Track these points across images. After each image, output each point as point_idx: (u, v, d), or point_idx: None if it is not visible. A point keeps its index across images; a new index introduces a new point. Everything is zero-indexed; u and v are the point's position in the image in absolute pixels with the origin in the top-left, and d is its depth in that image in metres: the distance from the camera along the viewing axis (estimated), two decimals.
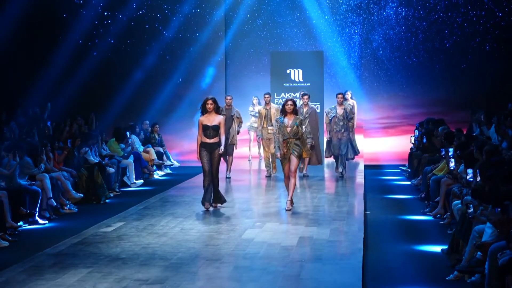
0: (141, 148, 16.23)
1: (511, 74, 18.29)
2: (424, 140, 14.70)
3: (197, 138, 11.29)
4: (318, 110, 18.31)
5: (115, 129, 15.55)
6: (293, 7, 20.05)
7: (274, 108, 14.88)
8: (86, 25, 18.87)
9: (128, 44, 19.80)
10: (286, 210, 11.02)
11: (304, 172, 14.97)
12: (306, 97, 14.93)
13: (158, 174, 16.21)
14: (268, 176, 14.97)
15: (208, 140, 11.15)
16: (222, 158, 14.42)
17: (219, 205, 11.35)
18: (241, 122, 15.04)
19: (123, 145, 15.18)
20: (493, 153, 9.17)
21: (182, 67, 20.07)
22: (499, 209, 6.88)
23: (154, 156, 16.34)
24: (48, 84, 17.11)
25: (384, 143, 19.56)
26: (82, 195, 12.40)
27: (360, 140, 18.49)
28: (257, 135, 16.07)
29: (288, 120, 11.11)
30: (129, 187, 14.62)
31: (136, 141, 16.12)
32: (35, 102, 16.15)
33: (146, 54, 19.87)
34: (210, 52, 20.23)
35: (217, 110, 11.24)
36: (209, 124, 11.14)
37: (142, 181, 15.11)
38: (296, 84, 18.93)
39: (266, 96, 15.12)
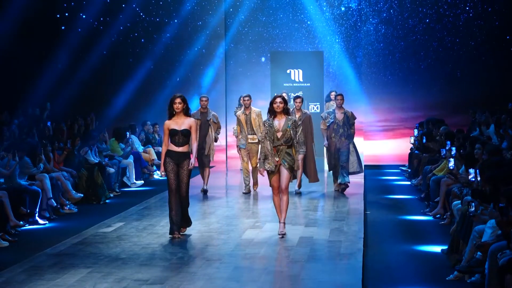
0: (141, 148, 16.22)
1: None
2: (424, 140, 14.70)
3: (162, 148, 9.46)
4: (318, 110, 18.35)
5: (115, 129, 15.55)
6: (293, 7, 20.06)
7: (255, 113, 12.75)
8: (86, 25, 18.87)
9: (128, 44, 19.80)
10: (280, 234, 9.16)
11: (296, 188, 12.71)
12: (298, 100, 12.65)
13: (158, 174, 16.21)
14: (246, 193, 12.83)
15: (176, 149, 9.16)
16: (200, 172, 12.92)
17: (187, 228, 9.62)
18: (219, 128, 13.08)
19: (123, 145, 15.18)
20: (493, 153, 9.18)
21: (182, 67, 20.07)
22: (502, 205, 6.86)
23: (154, 156, 16.34)
24: (48, 84, 17.10)
25: (384, 146, 19.57)
26: (82, 195, 12.41)
27: (360, 143, 18.48)
28: (237, 148, 13.19)
29: (279, 122, 9.16)
30: (129, 187, 14.62)
31: (136, 141, 16.12)
32: (35, 102, 16.15)
33: (146, 54, 19.88)
34: (210, 52, 20.23)
35: (187, 112, 9.26)
36: (177, 128, 9.14)
37: (142, 181, 15.09)
38: (296, 84, 18.97)
39: (246, 98, 12.78)
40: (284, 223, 9.23)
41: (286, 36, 20.13)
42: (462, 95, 19.10)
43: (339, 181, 12.70)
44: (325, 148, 13.05)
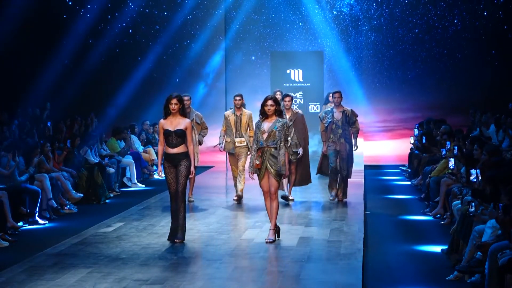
0: (141, 148, 16.22)
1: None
2: (424, 140, 14.70)
3: (158, 148, 9.22)
4: (317, 110, 18.34)
5: (114, 128, 15.56)
6: (293, 7, 20.07)
7: (247, 115, 11.77)
8: (86, 25, 18.89)
9: (128, 44, 19.81)
10: (266, 241, 8.79)
11: (288, 195, 11.66)
12: (288, 99, 11.43)
13: (158, 174, 16.18)
14: (237, 199, 11.92)
15: (170, 150, 8.89)
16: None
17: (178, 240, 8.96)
18: (206, 129, 12.00)
19: (122, 144, 15.16)
20: (493, 153, 9.18)
21: (181, 67, 20.07)
22: (502, 205, 6.86)
23: (154, 156, 16.32)
24: (48, 84, 17.12)
25: (383, 146, 19.58)
26: (82, 195, 12.40)
27: (360, 143, 18.43)
28: (219, 147, 12.13)
29: (268, 124, 8.83)
30: (129, 187, 14.61)
31: (136, 141, 16.12)
32: (35, 102, 16.16)
33: (146, 54, 19.89)
34: (210, 51, 20.23)
35: (183, 112, 8.96)
36: (171, 128, 8.85)
37: (143, 186, 14.98)
38: (296, 84, 18.99)
39: (237, 98, 11.81)
40: (274, 229, 8.88)
41: (286, 36, 20.15)
42: (460, 95, 19.18)
43: (334, 192, 11.76)
44: (321, 153, 11.89)
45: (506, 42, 18.88)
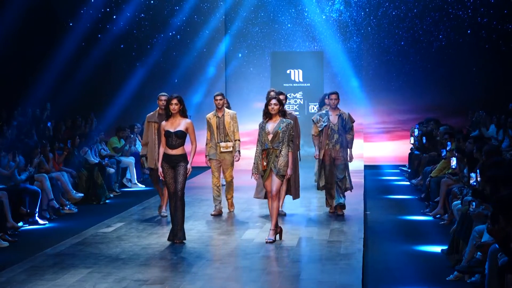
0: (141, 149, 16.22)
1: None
2: (424, 140, 14.71)
3: (159, 149, 9.12)
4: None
5: (117, 126, 15.58)
6: (293, 7, 20.06)
7: (229, 115, 10.69)
8: (86, 25, 18.89)
9: (128, 44, 19.80)
10: (266, 241, 8.77)
11: (280, 209, 10.37)
12: (282, 97, 10.15)
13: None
14: (215, 215, 10.69)
15: (170, 151, 8.82)
16: (157, 189, 10.99)
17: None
18: None
19: (124, 142, 15.18)
20: (491, 153, 9.18)
21: (182, 67, 20.06)
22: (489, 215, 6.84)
23: None
24: (48, 84, 17.11)
25: (383, 147, 19.58)
26: (82, 195, 12.41)
27: (360, 144, 18.44)
28: (207, 159, 10.83)
29: (272, 124, 8.81)
30: (129, 187, 14.60)
31: (136, 141, 16.12)
32: (35, 102, 16.16)
33: (146, 54, 19.87)
34: (210, 51, 20.22)
35: (183, 113, 8.89)
36: (171, 130, 8.78)
37: (143, 186, 14.98)
38: (296, 84, 18.99)
39: (218, 98, 10.68)
40: (274, 229, 8.84)
41: (286, 36, 20.13)
42: (459, 96, 19.22)
43: (335, 202, 10.69)
44: (316, 160, 11.00)
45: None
